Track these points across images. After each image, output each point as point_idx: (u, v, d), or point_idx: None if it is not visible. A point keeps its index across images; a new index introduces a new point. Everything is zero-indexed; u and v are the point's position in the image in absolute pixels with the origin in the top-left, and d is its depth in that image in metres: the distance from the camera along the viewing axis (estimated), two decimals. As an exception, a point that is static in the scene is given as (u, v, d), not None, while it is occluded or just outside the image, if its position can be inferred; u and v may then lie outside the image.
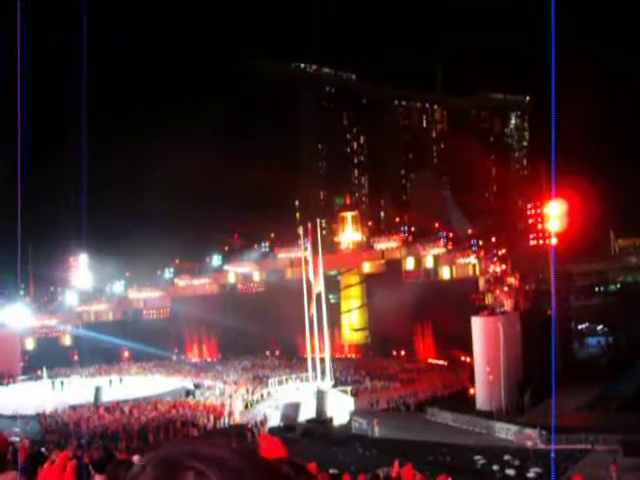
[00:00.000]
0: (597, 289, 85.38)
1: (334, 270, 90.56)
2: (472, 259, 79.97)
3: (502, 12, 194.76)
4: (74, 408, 56.43)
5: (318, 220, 67.68)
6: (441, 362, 78.85)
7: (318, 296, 60.87)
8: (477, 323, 55.14)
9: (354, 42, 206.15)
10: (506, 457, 36.28)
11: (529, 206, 70.37)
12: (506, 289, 64.93)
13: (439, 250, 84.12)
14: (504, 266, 73.02)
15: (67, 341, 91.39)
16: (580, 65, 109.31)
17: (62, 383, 72.77)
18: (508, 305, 59.47)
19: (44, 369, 79.31)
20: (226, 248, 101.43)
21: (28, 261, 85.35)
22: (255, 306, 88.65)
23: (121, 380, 74.10)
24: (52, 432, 48.63)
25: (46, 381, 75.72)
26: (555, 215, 64.85)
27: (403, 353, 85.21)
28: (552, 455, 34.90)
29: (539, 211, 68.19)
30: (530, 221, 69.61)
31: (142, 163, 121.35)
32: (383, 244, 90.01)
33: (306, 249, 63.91)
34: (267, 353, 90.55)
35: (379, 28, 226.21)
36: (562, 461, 35.03)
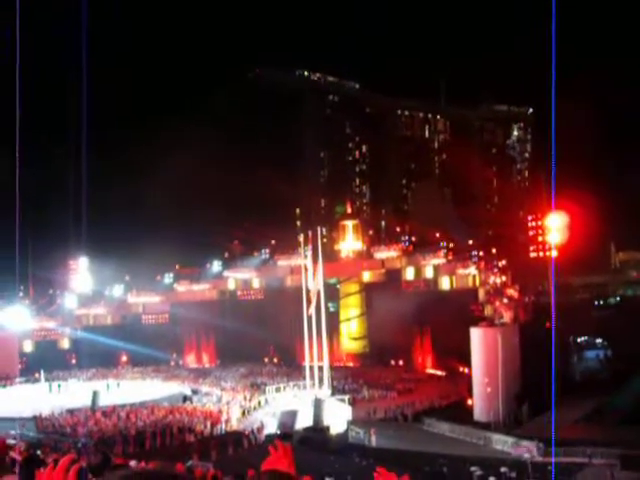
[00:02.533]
0: (597, 302, 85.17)
1: (334, 278, 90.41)
2: (472, 270, 79.85)
3: (506, 23, 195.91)
4: (71, 412, 56.37)
5: (319, 228, 67.64)
6: (439, 372, 78.81)
7: (317, 297, 60.65)
8: (476, 334, 55.14)
9: (358, 51, 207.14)
10: (503, 469, 36.09)
11: (530, 218, 70.26)
12: (506, 301, 64.79)
13: (439, 260, 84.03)
14: (504, 278, 72.86)
15: (65, 344, 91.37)
16: (584, 77, 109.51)
17: (59, 386, 72.78)
18: (507, 317, 59.41)
19: (42, 372, 79.29)
20: (226, 254, 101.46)
21: (27, 263, 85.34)
22: (254, 313, 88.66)
23: (118, 384, 74.07)
24: (48, 435, 48.52)
25: (43, 384, 75.72)
26: (556, 227, 64.80)
27: (401, 363, 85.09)
28: (552, 468, 34.78)
29: (540, 223, 68.11)
30: (531, 233, 69.47)
31: (144, 167, 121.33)
32: (383, 253, 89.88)
33: (306, 257, 63.88)
34: (265, 360, 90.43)
35: (384, 37, 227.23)
36: (559, 474, 34.92)
